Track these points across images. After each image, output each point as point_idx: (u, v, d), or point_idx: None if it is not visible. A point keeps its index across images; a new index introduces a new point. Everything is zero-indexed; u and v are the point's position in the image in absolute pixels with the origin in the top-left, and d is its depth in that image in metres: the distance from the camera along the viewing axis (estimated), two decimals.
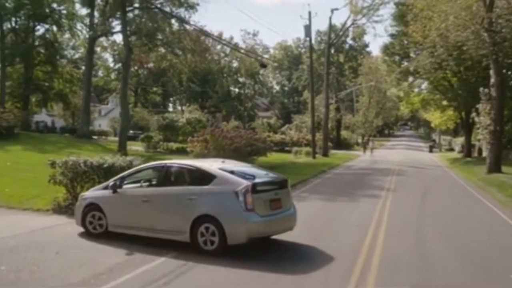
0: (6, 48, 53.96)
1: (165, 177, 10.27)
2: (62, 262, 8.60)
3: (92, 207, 10.48)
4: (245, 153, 24.88)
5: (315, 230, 12.02)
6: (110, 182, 10.63)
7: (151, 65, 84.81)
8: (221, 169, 9.69)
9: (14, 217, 12.28)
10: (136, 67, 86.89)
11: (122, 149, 36.51)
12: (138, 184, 10.63)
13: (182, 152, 37.51)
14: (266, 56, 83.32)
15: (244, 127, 59.47)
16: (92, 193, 11.01)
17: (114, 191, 10.29)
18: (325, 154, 46.06)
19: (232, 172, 9.51)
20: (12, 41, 56.37)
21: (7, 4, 52.90)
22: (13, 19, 54.87)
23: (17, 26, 56.40)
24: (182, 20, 39.61)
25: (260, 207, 9.13)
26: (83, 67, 78.04)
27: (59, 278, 7.78)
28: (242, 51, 66.23)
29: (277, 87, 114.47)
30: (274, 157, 32.79)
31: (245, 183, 9.10)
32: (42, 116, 78.61)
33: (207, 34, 44.84)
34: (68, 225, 11.44)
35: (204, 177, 9.61)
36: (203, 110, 69.42)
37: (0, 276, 7.76)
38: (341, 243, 10.67)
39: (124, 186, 10.44)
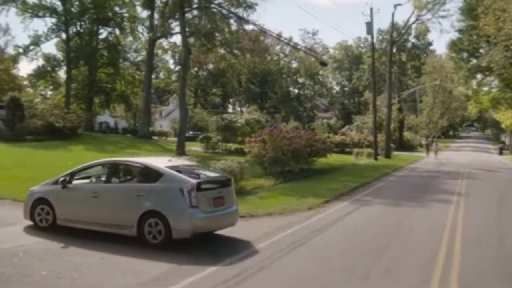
0: (71, 52, 55.59)
1: (115, 173, 10.66)
2: (105, 269, 8.00)
3: (41, 201, 10.56)
4: (305, 154, 23.90)
5: (382, 238, 10.95)
6: (60, 177, 10.65)
7: (210, 66, 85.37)
8: (168, 167, 10.03)
9: None
10: (196, 69, 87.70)
11: (180, 150, 36.49)
12: (88, 180, 10.81)
13: (240, 153, 37.03)
14: (325, 56, 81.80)
15: (304, 127, 58.36)
16: (42, 187, 11.04)
17: (64, 186, 10.40)
18: (388, 155, 44.27)
19: (178, 171, 9.91)
20: (77, 44, 58.05)
21: (72, 9, 54.49)
22: (78, 23, 56.44)
23: (81, 30, 58.04)
24: (241, 19, 39.00)
25: (204, 204, 9.55)
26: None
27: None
28: (302, 48, 64.96)
29: (337, 88, 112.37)
30: (334, 158, 31.60)
31: (191, 181, 9.49)
32: (105, 117, 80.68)
33: (268, 31, 43.95)
34: None
35: (151, 175, 9.96)
36: (262, 111, 68.92)
37: (39, 282, 7.22)
38: (412, 254, 9.56)
39: (75, 182, 10.64)
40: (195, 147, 43.59)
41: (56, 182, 10.63)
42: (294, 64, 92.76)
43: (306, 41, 76.20)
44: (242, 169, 16.86)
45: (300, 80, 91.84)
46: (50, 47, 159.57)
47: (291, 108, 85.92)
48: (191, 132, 69.86)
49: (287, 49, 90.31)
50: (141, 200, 9.56)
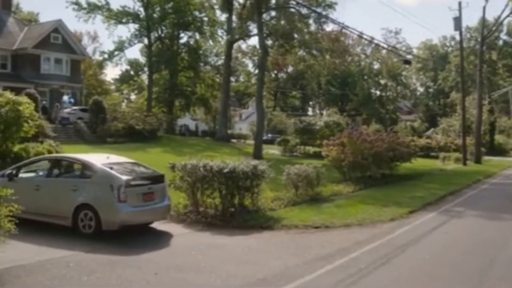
0: (153, 56, 56.86)
1: (56, 168, 11.44)
2: None
3: None
4: (387, 158, 22.29)
5: (481, 259, 9.35)
6: (7, 170, 11.50)
7: (290, 69, 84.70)
8: (103, 164, 10.72)
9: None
10: (275, 71, 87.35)
11: (257, 153, 35.84)
12: (34, 174, 11.71)
13: (319, 156, 35.82)
14: (409, 56, 78.29)
15: (386, 130, 55.92)
16: None
17: (10, 179, 11.01)
18: (478, 160, 41.15)
19: (111, 168, 10.55)
20: (158, 49, 59.33)
21: (154, 15, 55.70)
22: (159, 28, 57.63)
23: (162, 35, 59.24)
24: (323, 17, 37.70)
25: (133, 199, 10.27)
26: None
27: None
28: (385, 47, 62.46)
29: (421, 89, 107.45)
30: (419, 163, 29.55)
31: (120, 178, 10.24)
32: (186, 120, 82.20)
33: (350, 29, 42.42)
34: (182, 237, 10.21)
35: (87, 171, 10.82)
36: (343, 114, 67.09)
37: None
38: None
39: (21, 175, 11.39)
40: (272, 150, 42.87)
41: (3, 175, 11.30)
42: (376, 65, 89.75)
43: (388, 41, 73.13)
44: (319, 174, 15.70)
45: (382, 81, 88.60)
46: (135, 52, 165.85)
47: (373, 111, 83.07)
48: (269, 135, 69.37)
49: (369, 50, 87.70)
50: (76, 193, 10.40)
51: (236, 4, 44.57)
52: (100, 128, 36.66)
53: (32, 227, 10.10)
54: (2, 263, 7.53)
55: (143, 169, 11.64)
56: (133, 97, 79.58)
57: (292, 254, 9.15)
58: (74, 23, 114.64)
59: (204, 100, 64.92)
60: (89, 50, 79.04)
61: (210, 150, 38.66)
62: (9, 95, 18.90)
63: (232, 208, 12.22)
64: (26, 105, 19.59)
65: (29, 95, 33.25)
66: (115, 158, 11.89)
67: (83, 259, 8.40)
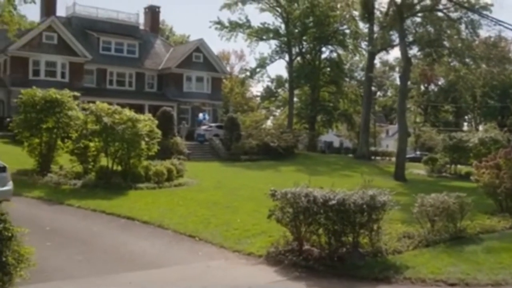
0: (293, 71, 55.92)
1: None
2: None
3: None
4: None
5: None
6: None
7: (441, 81, 78.45)
8: None
9: (211, 263, 9.52)
10: (425, 84, 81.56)
11: (399, 172, 32.48)
12: None
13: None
14: None
15: None
16: None
17: None
18: None
19: None
20: (299, 64, 58.28)
21: (295, 30, 54.83)
22: (300, 43, 56.58)
23: (303, 50, 58.12)
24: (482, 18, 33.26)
25: None
26: (373, 86, 77.22)
27: None
28: None
29: None
30: None
31: None
32: (330, 137, 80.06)
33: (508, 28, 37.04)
34: None
35: None
36: (502, 129, 59.66)
37: None
38: None
39: None
40: (418, 170, 38.86)
41: None
42: None
43: None
44: (463, 206, 12.47)
45: None
46: (278, 68, 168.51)
47: None
48: (418, 153, 64.37)
49: None
50: None
51: (377, 13, 41.67)
52: (234, 145, 36.15)
53: None
54: None
55: None
56: (278, 112, 79.70)
57: None
58: (222, 43, 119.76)
59: (347, 115, 62.42)
60: (236, 68, 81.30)
61: (347, 168, 36.09)
62: (127, 112, 18.55)
63: (343, 248, 9.80)
64: (145, 123, 19.11)
65: (164, 113, 33.98)
66: None
67: None
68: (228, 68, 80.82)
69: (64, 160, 20.48)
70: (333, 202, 9.23)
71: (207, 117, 43.12)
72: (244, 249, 10.34)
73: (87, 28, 45.67)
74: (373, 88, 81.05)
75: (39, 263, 8.73)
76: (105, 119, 17.38)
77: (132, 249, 10.14)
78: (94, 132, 17.99)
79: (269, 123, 69.48)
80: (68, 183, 17.81)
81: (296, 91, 65.31)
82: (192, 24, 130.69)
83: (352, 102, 61.65)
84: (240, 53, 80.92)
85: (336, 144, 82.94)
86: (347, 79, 64.35)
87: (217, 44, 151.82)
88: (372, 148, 54.03)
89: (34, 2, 14.46)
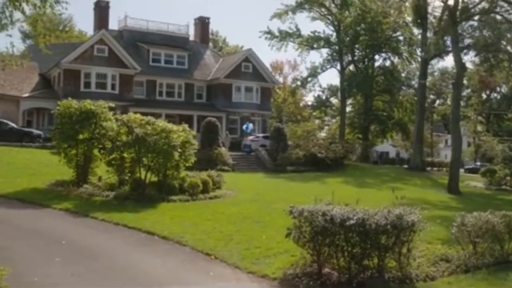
0: (345, 80, 54.64)
1: None
2: None
3: None
4: None
5: None
6: None
7: (503, 88, 74.68)
8: None
9: (218, 284, 8.81)
10: (486, 92, 77.96)
11: (453, 185, 30.70)
12: None
13: None
14: None
15: None
16: None
17: None
18: None
19: None
20: (351, 73, 56.92)
21: (346, 38, 53.58)
22: (352, 51, 55.23)
23: (355, 58, 56.74)
24: None
25: None
26: (432, 95, 74.19)
27: None
28: None
29: None
30: None
31: None
32: (386, 147, 77.86)
33: None
34: None
35: None
36: None
37: None
38: None
39: None
40: (475, 182, 36.74)
41: None
42: None
43: None
44: (511, 226, 11.18)
45: None
46: (330, 77, 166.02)
47: None
48: (478, 163, 61.37)
49: None
50: None
51: (430, 18, 39.83)
52: (280, 156, 35.40)
53: None
54: None
55: None
56: (332, 122, 78.25)
57: None
58: (275, 53, 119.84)
59: (401, 125, 60.24)
60: (290, 78, 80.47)
61: (398, 180, 34.54)
62: (160, 123, 18.25)
63: (365, 272, 8.84)
64: (179, 134, 18.73)
65: (209, 123, 33.76)
66: None
67: None
68: (281, 78, 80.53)
69: (103, 171, 20.44)
70: (352, 222, 8.34)
71: (251, 127, 42.66)
72: (260, 270, 9.57)
73: (138, 40, 46.46)
74: (432, 96, 78.42)
75: (38, 281, 8.42)
76: (137, 130, 17.11)
77: (141, 267, 9.60)
78: (126, 143, 17.76)
79: (323, 134, 68.11)
80: (101, 194, 17.64)
81: (349, 101, 63.87)
82: (245, 35, 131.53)
83: (407, 111, 59.50)
84: (293, 62, 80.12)
85: (392, 154, 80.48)
86: (404, 88, 62.27)
87: (270, 54, 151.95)
88: (429, 159, 51.73)
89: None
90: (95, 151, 19.83)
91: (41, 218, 13.98)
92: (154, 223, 13.52)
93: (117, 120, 18.59)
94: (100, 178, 20.15)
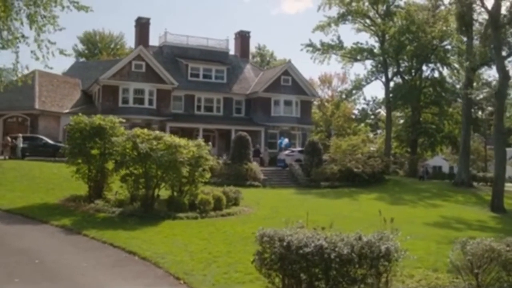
0: (390, 92, 52.85)
1: None
2: None
3: None
4: None
5: None
6: None
7: None
8: None
9: None
10: None
11: (497, 202, 28.62)
12: None
13: None
14: None
15: None
16: None
17: None
18: None
19: None
20: (397, 84, 55.00)
21: (390, 49, 51.88)
22: (397, 62, 53.36)
23: (401, 69, 54.81)
24: None
25: None
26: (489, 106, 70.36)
27: None
28: None
29: None
30: None
31: None
32: (438, 161, 74.75)
33: None
34: None
35: None
36: None
37: None
38: None
39: None
40: None
41: None
42: None
43: None
44: None
45: None
46: (375, 90, 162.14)
47: None
48: None
49: None
50: None
51: (476, 25, 37.74)
52: (314, 171, 34.27)
53: None
54: None
55: None
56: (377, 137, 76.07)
57: None
58: (323, 66, 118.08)
59: (451, 138, 57.51)
60: (337, 91, 78.90)
61: (438, 197, 32.68)
62: (168, 138, 17.82)
63: None
64: (190, 149, 18.24)
65: (240, 138, 33.19)
66: None
67: None
68: (330, 91, 79.27)
69: (118, 187, 20.23)
70: (307, 250, 7.38)
71: (286, 141, 41.73)
72: None
73: (177, 55, 46.78)
74: (489, 108, 74.40)
75: None
76: (141, 146, 16.72)
77: None
78: (132, 158, 17.43)
79: (372, 148, 66.07)
80: (107, 210, 17.37)
81: (397, 113, 61.70)
82: (292, 48, 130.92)
83: (457, 123, 56.75)
84: (342, 75, 78.63)
85: (445, 169, 77.00)
86: (458, 99, 59.52)
87: (317, 67, 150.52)
88: (481, 174, 48.85)
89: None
90: (109, 166, 19.67)
91: (31, 235, 13.75)
92: (143, 242, 12.98)
93: (122, 135, 18.34)
94: (116, 193, 19.95)
